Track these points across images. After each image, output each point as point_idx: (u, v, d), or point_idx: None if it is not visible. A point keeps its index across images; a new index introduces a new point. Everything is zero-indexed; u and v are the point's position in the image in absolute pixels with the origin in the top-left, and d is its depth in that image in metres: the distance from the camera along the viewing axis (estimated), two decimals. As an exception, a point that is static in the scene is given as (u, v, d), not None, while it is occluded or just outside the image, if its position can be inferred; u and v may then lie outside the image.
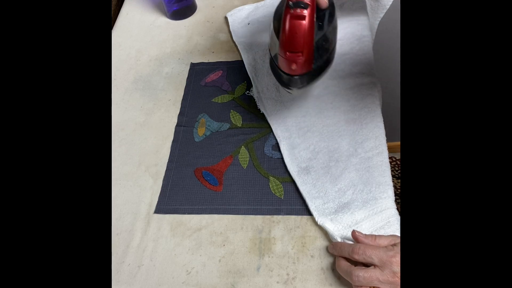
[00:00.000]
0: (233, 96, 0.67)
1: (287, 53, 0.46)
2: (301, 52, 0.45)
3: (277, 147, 0.59)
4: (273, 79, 0.66)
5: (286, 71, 0.48)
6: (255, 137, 0.61)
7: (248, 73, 0.69)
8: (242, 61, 0.71)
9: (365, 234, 0.45)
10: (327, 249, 0.49)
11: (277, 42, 0.48)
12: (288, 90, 0.51)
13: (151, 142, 0.64)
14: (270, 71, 0.68)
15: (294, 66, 0.46)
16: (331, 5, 0.52)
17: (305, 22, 0.44)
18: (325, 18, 0.49)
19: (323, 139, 0.58)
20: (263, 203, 0.54)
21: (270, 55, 0.52)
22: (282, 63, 0.48)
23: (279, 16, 0.49)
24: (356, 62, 0.65)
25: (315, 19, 0.46)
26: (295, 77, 0.48)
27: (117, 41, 0.81)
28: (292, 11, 0.44)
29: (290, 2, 0.44)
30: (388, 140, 0.56)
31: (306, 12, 0.44)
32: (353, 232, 0.46)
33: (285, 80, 0.49)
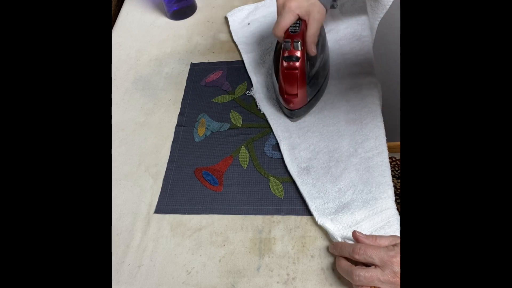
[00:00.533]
0: (233, 96, 0.67)
1: (285, 95, 0.56)
2: (296, 94, 0.55)
3: (277, 147, 0.59)
4: (272, 79, 0.67)
5: (286, 107, 0.58)
6: (255, 137, 0.61)
7: (248, 73, 0.69)
8: (242, 61, 0.71)
9: (366, 235, 0.45)
10: (327, 249, 0.49)
11: (277, 84, 0.58)
12: (291, 120, 0.61)
13: (151, 142, 0.64)
14: (270, 72, 0.68)
15: (292, 104, 0.57)
16: (321, 35, 0.60)
17: (297, 72, 0.54)
18: (317, 54, 0.57)
19: (323, 139, 0.58)
20: (263, 203, 0.54)
21: (274, 90, 0.62)
22: (282, 102, 0.58)
23: (277, 58, 0.59)
24: (356, 62, 0.65)
25: (306, 61, 0.55)
26: (294, 110, 0.59)
27: (117, 41, 0.81)
28: (285, 64, 0.54)
29: (284, 56, 0.54)
30: (388, 140, 0.56)
31: (297, 64, 0.53)
32: (354, 232, 0.46)
33: (287, 113, 0.60)
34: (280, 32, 0.54)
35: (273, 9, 0.77)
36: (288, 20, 0.53)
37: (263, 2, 0.79)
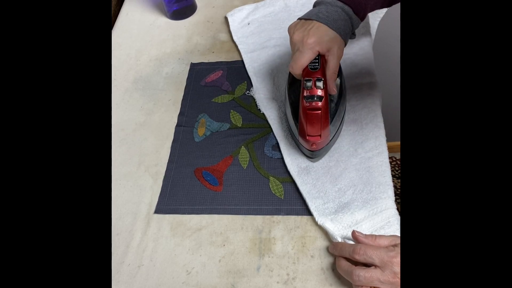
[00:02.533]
0: (233, 96, 0.67)
1: (307, 137, 0.51)
2: (319, 135, 0.51)
3: (277, 147, 0.59)
4: (273, 79, 0.67)
5: (308, 148, 0.54)
6: (255, 137, 0.61)
7: (248, 73, 0.69)
8: (242, 61, 0.71)
9: (365, 234, 0.45)
10: (327, 249, 0.49)
11: (292, 121, 0.54)
12: (311, 160, 0.57)
13: (151, 142, 0.64)
14: (270, 72, 0.68)
15: (314, 146, 0.52)
16: (339, 72, 0.55)
17: (320, 112, 0.49)
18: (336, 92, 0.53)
19: (323, 139, 0.58)
20: (263, 203, 0.54)
21: (290, 127, 0.58)
22: (303, 143, 0.53)
23: (294, 93, 0.55)
24: (356, 62, 0.65)
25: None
26: (316, 151, 0.54)
27: (117, 41, 0.81)
28: (307, 104, 0.49)
29: (305, 95, 0.49)
30: (388, 140, 0.56)
31: (320, 104, 0.48)
32: (353, 232, 0.46)
33: (307, 154, 0.56)
34: (299, 70, 0.50)
35: (273, 8, 0.78)
36: (308, 57, 0.49)
37: (263, 2, 0.79)
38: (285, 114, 0.60)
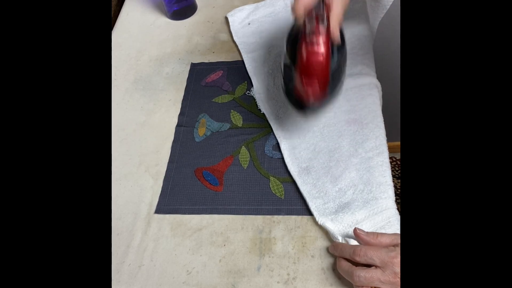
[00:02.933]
0: (234, 96, 0.67)
1: (304, 85, 0.47)
2: (317, 82, 0.47)
3: (277, 147, 0.59)
4: (273, 79, 0.67)
5: (303, 101, 0.49)
6: (255, 137, 0.61)
7: (249, 73, 0.69)
8: (242, 61, 0.71)
9: (367, 232, 0.45)
10: (327, 249, 0.49)
11: (292, 67, 0.49)
12: (305, 118, 0.54)
13: (152, 142, 0.64)
14: (270, 72, 0.68)
15: (311, 97, 0.48)
16: (341, 32, 0.52)
17: (322, 58, 0.45)
18: (335, 49, 0.50)
19: (323, 139, 0.58)
20: (263, 203, 0.54)
21: (284, 81, 0.53)
22: (299, 93, 0.49)
23: (291, 41, 0.50)
24: (356, 62, 0.65)
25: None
26: (311, 107, 0.50)
27: (117, 41, 0.81)
28: (309, 48, 0.45)
29: (306, 40, 0.45)
30: (388, 140, 0.56)
31: (322, 49, 0.45)
32: (355, 230, 0.46)
33: (301, 110, 0.52)
34: (301, 10, 0.45)
35: (274, 9, 0.78)
36: None
37: (263, 2, 0.79)
38: (280, 84, 0.55)
